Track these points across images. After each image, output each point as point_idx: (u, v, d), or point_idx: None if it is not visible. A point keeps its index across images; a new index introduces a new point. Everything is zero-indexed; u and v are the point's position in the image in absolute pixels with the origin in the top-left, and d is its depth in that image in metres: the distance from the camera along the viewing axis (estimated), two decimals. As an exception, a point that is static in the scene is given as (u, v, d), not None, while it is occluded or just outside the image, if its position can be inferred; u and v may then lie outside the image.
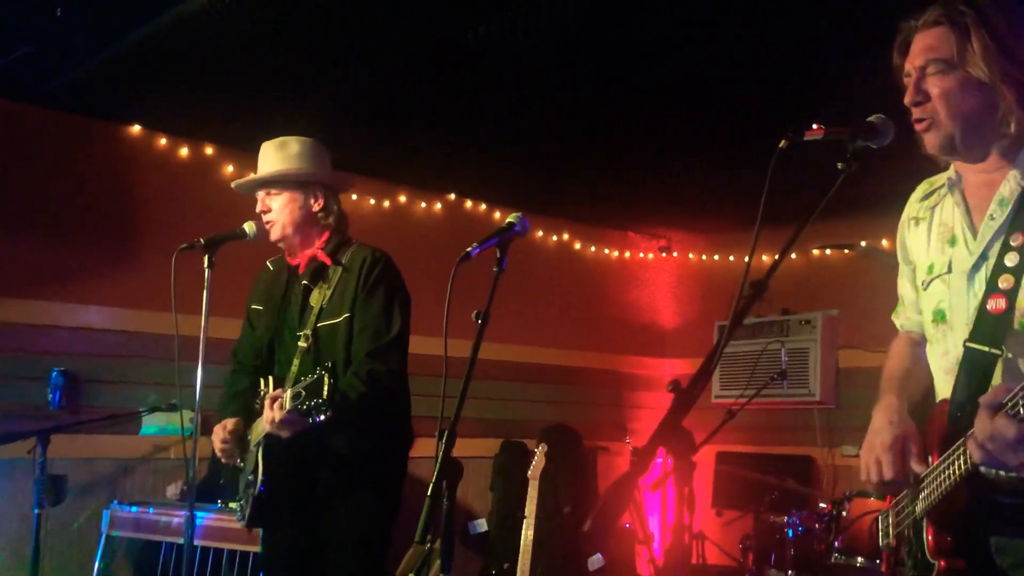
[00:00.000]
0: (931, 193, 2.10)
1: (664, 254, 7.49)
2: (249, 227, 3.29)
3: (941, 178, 2.08)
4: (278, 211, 3.27)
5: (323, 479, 3.19)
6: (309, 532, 3.22)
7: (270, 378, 3.25)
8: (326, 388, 2.82)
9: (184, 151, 5.22)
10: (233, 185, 3.48)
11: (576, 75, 4.21)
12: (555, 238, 6.87)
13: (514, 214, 2.55)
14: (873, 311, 6.09)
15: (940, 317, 1.99)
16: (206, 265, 3.12)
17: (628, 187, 6.06)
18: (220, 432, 3.23)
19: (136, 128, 5.07)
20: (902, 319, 2.28)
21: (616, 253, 7.26)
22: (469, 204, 6.37)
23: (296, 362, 3.21)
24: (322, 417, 2.85)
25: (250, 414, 3.28)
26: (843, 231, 6.03)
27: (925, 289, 2.04)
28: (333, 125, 4.86)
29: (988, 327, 1.83)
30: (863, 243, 6.11)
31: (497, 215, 6.41)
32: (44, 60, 4.19)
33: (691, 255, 7.43)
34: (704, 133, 4.94)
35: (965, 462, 1.74)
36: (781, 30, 3.72)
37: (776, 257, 1.71)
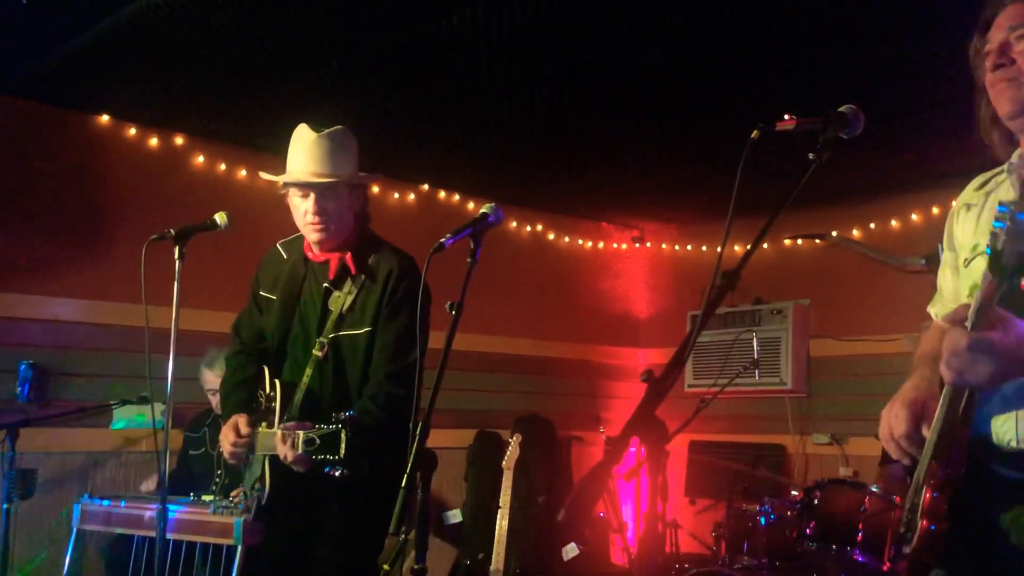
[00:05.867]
0: (987, 181, 2.09)
1: (637, 244, 7.52)
2: (220, 218, 3.23)
3: (1000, 168, 2.07)
4: (335, 215, 3.10)
5: (328, 489, 3.07)
6: (304, 527, 3.15)
7: (277, 383, 3.14)
8: (343, 447, 2.75)
9: (154, 141, 5.17)
10: (286, 184, 3.17)
11: (550, 66, 4.21)
12: (529, 228, 6.87)
13: (488, 204, 2.55)
14: (843, 300, 6.23)
15: (976, 292, 1.99)
16: (176, 256, 3.07)
17: (601, 178, 6.07)
18: (231, 435, 3.10)
19: (105, 118, 5.01)
20: (938, 308, 2.24)
21: (590, 243, 7.28)
22: (443, 195, 6.35)
23: (309, 372, 3.11)
24: (337, 473, 2.77)
25: (255, 407, 3.19)
26: (814, 221, 6.07)
27: (967, 267, 2.02)
28: (305, 115, 4.81)
29: (1017, 302, 1.78)
30: (834, 233, 6.16)
31: (471, 206, 6.40)
32: (10, 49, 4.13)
33: (664, 245, 7.46)
34: (677, 124, 4.95)
35: (946, 397, 1.74)
36: (751, 23, 3.74)
37: (748, 247, 1.72)
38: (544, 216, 6.93)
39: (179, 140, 5.24)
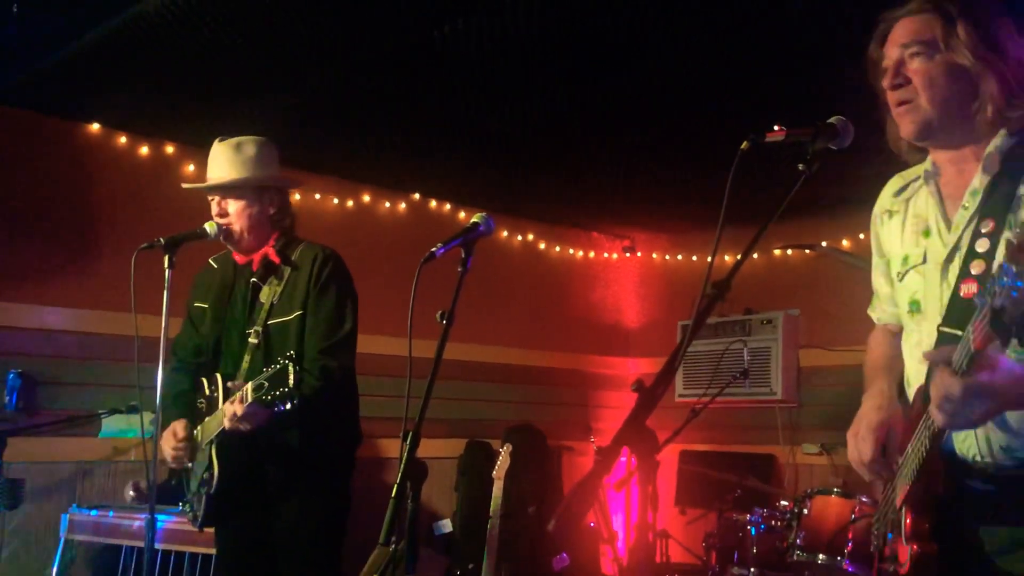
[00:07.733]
0: (904, 187, 2.12)
1: (628, 254, 7.53)
2: (210, 226, 3.27)
3: (914, 171, 2.09)
4: (235, 216, 3.27)
5: (274, 475, 3.20)
6: (261, 529, 3.22)
7: (217, 376, 3.23)
8: (291, 376, 2.83)
9: (144, 150, 5.16)
10: (185, 187, 3.50)
11: (541, 76, 4.22)
12: (520, 238, 6.87)
13: (479, 214, 2.55)
14: (833, 311, 6.23)
15: (915, 307, 2.01)
16: (166, 265, 3.09)
17: (592, 187, 6.08)
18: (171, 439, 3.22)
19: (95, 126, 5.00)
20: (878, 312, 2.28)
21: (580, 253, 7.28)
22: (433, 204, 6.35)
23: (247, 358, 3.21)
24: (288, 405, 2.85)
25: (194, 414, 3.27)
26: (804, 231, 6.09)
27: (900, 281, 2.06)
28: (297, 124, 4.82)
29: (960, 311, 1.84)
30: (824, 243, 6.18)
31: (462, 215, 6.40)
32: (0, 56, 4.12)
33: (655, 255, 7.47)
34: (667, 134, 4.97)
35: (929, 428, 1.77)
36: (742, 35, 3.75)
37: (738, 257, 1.73)
38: (535, 226, 6.94)
39: (170, 149, 5.23)
